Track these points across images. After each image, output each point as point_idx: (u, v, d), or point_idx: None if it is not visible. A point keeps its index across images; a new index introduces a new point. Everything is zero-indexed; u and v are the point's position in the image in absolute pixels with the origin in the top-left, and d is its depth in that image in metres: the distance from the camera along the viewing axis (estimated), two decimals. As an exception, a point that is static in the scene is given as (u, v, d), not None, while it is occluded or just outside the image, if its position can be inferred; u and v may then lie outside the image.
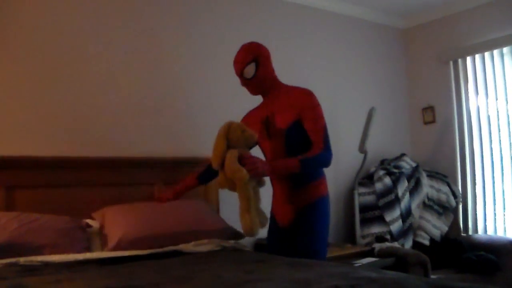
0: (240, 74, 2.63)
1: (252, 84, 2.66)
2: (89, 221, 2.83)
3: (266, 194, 2.71)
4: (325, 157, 2.49)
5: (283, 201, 2.66)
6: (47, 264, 2.21)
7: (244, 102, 2.93)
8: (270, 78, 2.67)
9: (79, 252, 2.45)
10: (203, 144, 3.58)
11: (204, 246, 2.68)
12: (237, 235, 3.01)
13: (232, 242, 2.85)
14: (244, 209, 2.35)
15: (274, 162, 2.49)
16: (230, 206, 3.60)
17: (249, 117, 2.80)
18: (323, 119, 2.55)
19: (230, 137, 2.40)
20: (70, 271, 2.06)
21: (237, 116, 2.81)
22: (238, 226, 3.08)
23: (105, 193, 3.05)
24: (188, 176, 3.01)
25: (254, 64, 2.59)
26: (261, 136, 2.67)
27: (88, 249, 2.55)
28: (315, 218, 2.57)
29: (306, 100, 2.56)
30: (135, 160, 3.28)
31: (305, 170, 2.47)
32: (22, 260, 2.22)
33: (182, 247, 2.63)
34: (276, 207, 2.74)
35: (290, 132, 2.55)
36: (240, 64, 2.61)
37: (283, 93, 2.65)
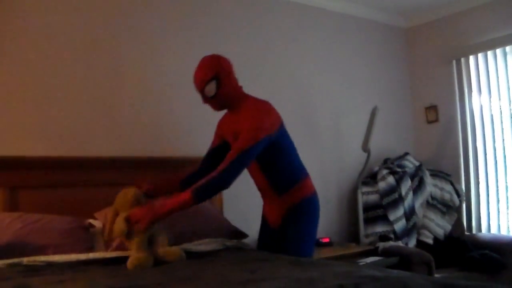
0: (201, 92, 2.52)
1: (214, 102, 2.55)
2: (92, 221, 2.83)
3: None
4: (220, 180, 2.34)
5: (270, 205, 2.73)
6: (50, 264, 2.21)
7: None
8: (233, 94, 2.55)
9: (82, 252, 2.45)
10: (205, 144, 3.58)
11: (206, 245, 2.67)
12: (240, 235, 3.01)
13: (235, 241, 2.85)
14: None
15: (161, 206, 2.33)
16: (233, 206, 3.62)
17: (224, 124, 2.71)
18: (250, 142, 2.38)
19: (117, 207, 2.48)
20: (73, 271, 2.06)
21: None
22: (242, 226, 3.10)
23: (108, 193, 3.02)
24: (172, 177, 2.78)
25: (214, 82, 2.47)
26: None
27: (91, 249, 2.55)
28: (301, 219, 2.61)
29: (251, 123, 2.43)
30: (138, 160, 3.28)
31: (202, 199, 2.33)
32: (25, 260, 2.22)
33: (185, 246, 2.63)
34: (265, 209, 2.80)
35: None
36: (200, 82, 2.50)
37: (243, 112, 2.52)
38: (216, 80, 2.47)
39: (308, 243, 2.65)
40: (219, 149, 2.72)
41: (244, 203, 3.67)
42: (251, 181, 2.77)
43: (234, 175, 2.37)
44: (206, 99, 2.54)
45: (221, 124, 2.76)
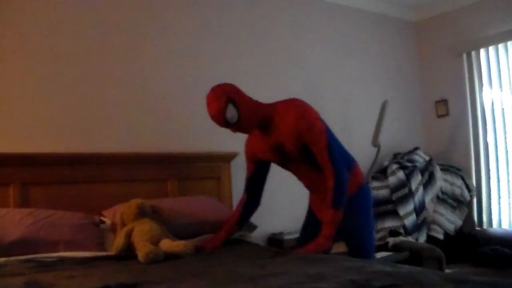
0: (225, 123, 2.32)
1: (243, 125, 2.36)
2: (102, 217, 2.85)
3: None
4: (342, 182, 2.31)
5: (323, 200, 2.46)
6: (61, 260, 2.22)
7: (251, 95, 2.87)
8: (256, 109, 2.38)
9: (93, 248, 2.47)
10: (214, 140, 3.58)
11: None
12: (249, 226, 3.00)
13: (240, 232, 2.84)
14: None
15: (324, 236, 2.29)
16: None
17: (255, 144, 2.56)
18: (323, 137, 2.33)
19: (123, 217, 2.53)
20: (84, 267, 2.07)
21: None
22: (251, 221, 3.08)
23: (118, 189, 3.06)
24: (227, 223, 2.65)
25: (232, 105, 2.29)
26: (281, 161, 2.54)
27: (102, 244, 2.57)
28: (359, 211, 2.52)
29: (299, 126, 2.32)
30: (147, 156, 3.29)
31: (343, 205, 2.31)
32: (37, 256, 2.24)
33: (193, 240, 2.63)
34: (315, 205, 2.67)
35: (304, 154, 2.41)
36: (218, 113, 2.28)
37: (279, 120, 2.38)
38: (232, 103, 2.30)
39: (370, 234, 2.57)
40: (256, 174, 2.62)
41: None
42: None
43: (342, 165, 2.35)
44: (234, 127, 2.36)
45: (250, 146, 2.59)
